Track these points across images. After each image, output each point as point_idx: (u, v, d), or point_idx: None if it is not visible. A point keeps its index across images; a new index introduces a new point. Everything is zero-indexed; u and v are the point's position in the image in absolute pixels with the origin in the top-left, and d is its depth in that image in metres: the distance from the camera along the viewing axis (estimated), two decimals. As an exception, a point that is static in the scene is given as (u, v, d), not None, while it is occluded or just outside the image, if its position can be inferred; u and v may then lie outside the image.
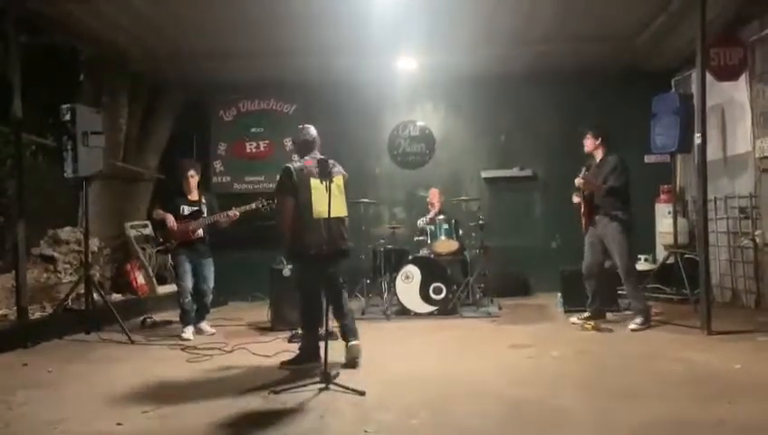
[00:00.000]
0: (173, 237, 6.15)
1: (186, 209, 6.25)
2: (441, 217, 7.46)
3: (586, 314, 6.12)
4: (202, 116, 9.25)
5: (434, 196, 8.11)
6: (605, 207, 5.89)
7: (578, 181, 5.99)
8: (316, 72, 8.43)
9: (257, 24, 6.76)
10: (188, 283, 6.18)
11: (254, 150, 9.24)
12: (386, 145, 9.24)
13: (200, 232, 6.23)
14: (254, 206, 6.13)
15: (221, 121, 9.26)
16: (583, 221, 6.11)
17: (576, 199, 6.14)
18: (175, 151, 8.76)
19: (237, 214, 6.18)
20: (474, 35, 7.28)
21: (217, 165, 9.20)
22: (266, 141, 9.22)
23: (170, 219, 6.11)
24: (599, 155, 6.04)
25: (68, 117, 5.82)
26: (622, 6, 6.52)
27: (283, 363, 4.79)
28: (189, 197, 6.33)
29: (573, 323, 6.10)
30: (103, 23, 6.67)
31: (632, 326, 5.82)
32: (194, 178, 6.35)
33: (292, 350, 5.06)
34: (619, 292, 6.49)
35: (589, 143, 6.08)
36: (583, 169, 6.01)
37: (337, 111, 8.81)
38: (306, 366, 4.62)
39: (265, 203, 6.14)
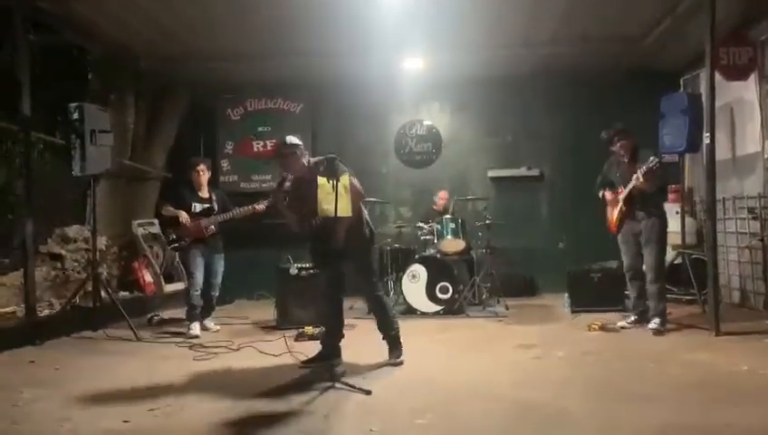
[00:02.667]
0: (187, 235, 6.16)
1: (197, 207, 6.26)
2: (448, 216, 7.45)
3: (633, 318, 5.95)
4: (209, 115, 9.26)
5: (443, 198, 8.08)
6: (646, 205, 5.71)
7: (636, 178, 5.55)
8: (323, 72, 8.44)
9: (264, 25, 6.77)
10: (200, 277, 6.20)
11: (260, 149, 9.24)
12: (392, 144, 9.24)
13: (213, 228, 6.25)
14: (267, 202, 6.12)
15: (228, 120, 9.28)
16: (615, 220, 5.90)
17: (609, 196, 5.93)
18: (182, 150, 8.77)
19: (263, 208, 6.17)
20: (481, 36, 7.27)
21: (224, 164, 9.22)
22: (273, 140, 9.21)
23: (184, 216, 6.11)
24: (627, 155, 5.83)
25: (76, 115, 5.83)
26: (630, 6, 6.49)
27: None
28: (200, 194, 6.34)
29: (623, 327, 5.86)
30: (111, 22, 6.70)
31: (652, 326, 5.67)
32: (204, 173, 6.36)
33: (299, 349, 5.06)
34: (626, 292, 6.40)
35: (621, 147, 5.82)
36: (651, 160, 5.49)
37: (344, 110, 8.82)
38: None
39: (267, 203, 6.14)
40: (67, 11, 6.39)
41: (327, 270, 4.74)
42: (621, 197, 5.81)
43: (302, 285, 6.39)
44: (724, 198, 7.13)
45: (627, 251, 5.95)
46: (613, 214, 5.94)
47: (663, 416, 3.46)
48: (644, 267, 5.86)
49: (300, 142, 4.68)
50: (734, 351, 4.93)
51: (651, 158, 5.51)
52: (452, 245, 7.30)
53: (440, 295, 6.96)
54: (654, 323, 5.71)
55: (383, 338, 4.86)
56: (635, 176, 5.58)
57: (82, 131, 5.81)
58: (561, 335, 5.84)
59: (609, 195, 5.98)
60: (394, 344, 4.83)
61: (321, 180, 4.40)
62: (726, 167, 7.14)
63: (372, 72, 8.37)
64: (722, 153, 6.86)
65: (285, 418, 3.59)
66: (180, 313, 6.76)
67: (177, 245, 6.25)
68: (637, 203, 5.77)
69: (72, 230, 7.56)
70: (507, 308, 7.24)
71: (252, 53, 7.70)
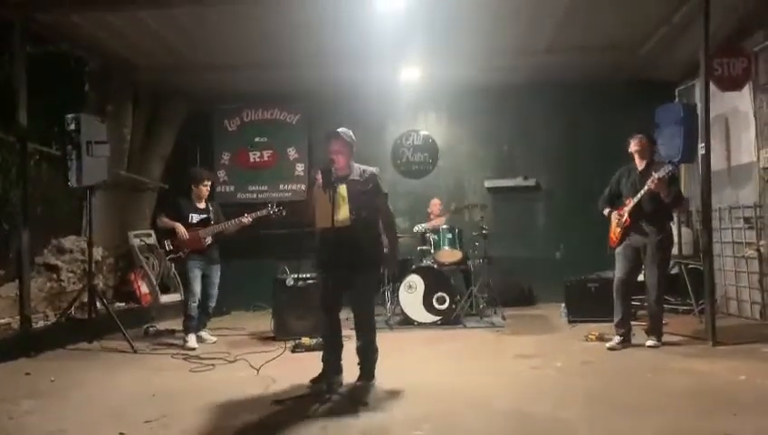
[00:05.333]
0: (185, 246, 6.15)
1: (194, 217, 6.27)
2: (445, 226, 7.45)
3: (618, 339, 5.54)
4: (206, 125, 9.28)
5: (435, 206, 8.12)
6: (656, 218, 5.42)
7: (651, 183, 5.22)
8: (320, 82, 8.46)
9: (261, 36, 6.80)
10: (198, 288, 6.19)
11: (257, 160, 9.26)
12: (389, 154, 9.25)
13: (209, 239, 6.24)
14: (264, 212, 6.15)
15: (225, 131, 9.29)
16: (619, 233, 5.56)
17: (615, 215, 5.61)
18: (179, 161, 8.78)
19: (250, 220, 6.20)
20: (477, 46, 7.31)
21: (221, 174, 9.22)
22: (270, 151, 9.24)
23: (181, 229, 6.12)
24: (643, 161, 5.53)
25: (73, 126, 5.84)
26: (625, 17, 6.53)
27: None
28: (197, 204, 6.35)
29: (612, 349, 5.48)
30: (109, 34, 6.72)
31: (650, 344, 5.49)
32: (209, 188, 6.44)
33: (297, 359, 5.04)
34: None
35: (638, 143, 5.52)
36: (666, 167, 5.24)
37: (340, 121, 8.71)
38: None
39: (276, 209, 6.15)
40: (65, 22, 6.41)
41: (330, 279, 4.41)
42: (628, 208, 5.48)
43: (299, 295, 6.37)
44: (719, 208, 7.15)
45: (623, 265, 5.59)
46: (617, 228, 5.61)
47: (661, 426, 3.46)
48: (647, 283, 5.55)
49: (354, 139, 4.60)
50: (731, 360, 4.93)
51: (668, 163, 5.33)
52: (449, 255, 7.30)
53: (437, 306, 6.95)
54: (651, 340, 5.53)
55: (360, 363, 4.51)
56: (649, 180, 5.25)
57: (79, 142, 5.81)
58: (558, 346, 5.83)
59: (615, 216, 5.63)
60: (371, 372, 4.52)
61: (318, 191, 4.36)
62: (722, 177, 7.18)
63: (369, 82, 8.39)
64: (717, 163, 6.88)
65: (283, 429, 3.57)
66: (176, 323, 6.74)
67: (174, 256, 6.24)
68: (645, 217, 5.43)
69: (68, 241, 7.54)
70: (504, 318, 7.23)
71: (249, 63, 7.72)
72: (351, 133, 4.60)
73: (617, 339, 5.58)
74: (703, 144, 5.69)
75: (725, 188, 7.24)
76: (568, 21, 6.56)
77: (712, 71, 6.29)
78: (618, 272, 5.66)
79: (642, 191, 5.36)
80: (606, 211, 5.79)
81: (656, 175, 5.24)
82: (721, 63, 6.66)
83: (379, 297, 7.48)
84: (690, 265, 6.86)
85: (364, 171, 4.55)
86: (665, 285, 5.64)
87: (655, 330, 5.59)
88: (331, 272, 4.41)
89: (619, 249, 5.64)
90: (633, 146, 5.59)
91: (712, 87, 5.93)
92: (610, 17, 6.54)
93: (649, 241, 5.46)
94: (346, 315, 4.53)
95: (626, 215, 5.51)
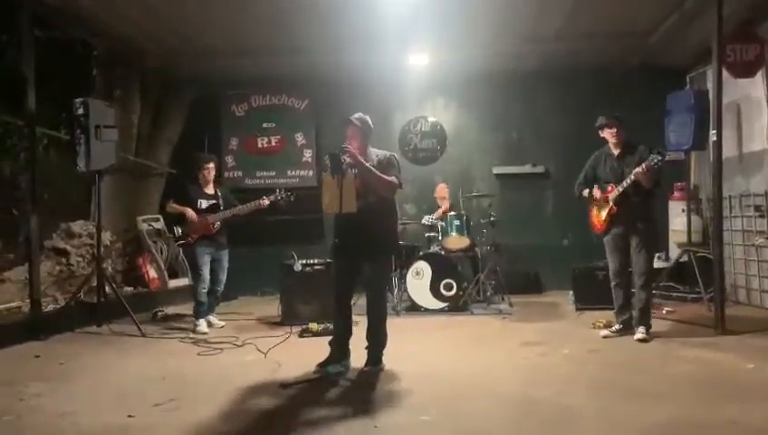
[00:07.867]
0: (194, 231, 6.17)
1: (203, 203, 6.28)
2: (452, 213, 7.43)
3: (617, 327, 5.56)
4: (214, 111, 9.24)
5: (442, 191, 8.09)
6: (642, 205, 5.36)
7: (638, 172, 5.14)
8: (328, 68, 8.41)
9: (269, 21, 6.75)
10: (207, 274, 6.21)
11: (265, 145, 9.24)
12: (397, 140, 9.20)
13: (218, 224, 6.26)
14: (273, 197, 6.19)
15: (233, 116, 9.26)
16: (605, 221, 5.50)
17: (599, 193, 5.52)
18: (187, 146, 8.76)
19: (267, 202, 6.21)
20: (486, 32, 7.23)
21: (229, 160, 9.20)
22: (278, 136, 9.21)
23: (191, 213, 6.14)
24: (618, 147, 5.50)
25: (81, 110, 5.85)
26: (637, 3, 6.45)
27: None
28: (206, 190, 6.37)
29: (606, 337, 5.51)
30: (117, 18, 6.69)
31: (638, 337, 5.36)
32: (212, 170, 6.41)
33: (305, 344, 5.06)
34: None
35: (616, 133, 5.45)
36: (652, 158, 5.08)
37: (348, 106, 8.69)
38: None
39: (285, 195, 6.17)
40: (72, 7, 6.38)
41: (342, 265, 4.47)
42: (612, 196, 5.41)
43: (307, 281, 6.40)
44: (730, 196, 7.08)
45: (614, 255, 5.57)
46: (601, 214, 5.56)
47: (668, 413, 3.45)
48: (634, 270, 5.50)
49: (370, 124, 4.58)
50: (740, 349, 4.92)
51: (652, 156, 5.10)
52: (456, 241, 7.28)
53: (444, 292, 6.95)
54: (641, 332, 5.37)
55: (368, 348, 4.51)
56: (635, 170, 5.18)
57: (87, 126, 5.82)
58: (565, 333, 5.83)
59: (598, 193, 5.56)
60: (378, 358, 4.52)
61: (326, 176, 4.33)
62: (733, 164, 7.11)
63: (377, 68, 8.33)
64: (728, 151, 6.79)
65: (290, 413, 3.60)
66: (184, 308, 6.78)
67: (184, 241, 6.26)
68: (631, 204, 5.37)
69: (77, 225, 7.57)
70: (511, 305, 7.22)
71: (256, 49, 7.68)
72: (367, 118, 4.56)
73: (615, 327, 5.59)
74: (714, 131, 5.63)
75: (736, 175, 7.18)
76: (577, 7, 6.48)
77: (724, 57, 6.20)
78: (610, 263, 5.66)
79: (629, 179, 5.27)
80: (585, 192, 5.70)
81: (644, 165, 5.14)
82: (733, 50, 6.57)
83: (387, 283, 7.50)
84: (699, 253, 6.82)
85: (378, 156, 4.52)
86: (653, 272, 5.59)
87: (642, 320, 5.42)
88: (343, 258, 4.44)
89: (607, 238, 5.60)
90: (609, 136, 5.52)
91: (724, 73, 5.85)
92: (620, 4, 6.46)
93: (636, 228, 5.41)
94: (355, 301, 4.54)
95: (611, 203, 5.44)
